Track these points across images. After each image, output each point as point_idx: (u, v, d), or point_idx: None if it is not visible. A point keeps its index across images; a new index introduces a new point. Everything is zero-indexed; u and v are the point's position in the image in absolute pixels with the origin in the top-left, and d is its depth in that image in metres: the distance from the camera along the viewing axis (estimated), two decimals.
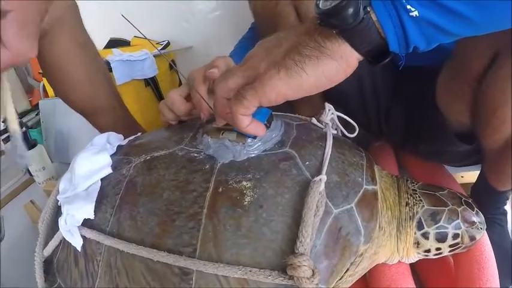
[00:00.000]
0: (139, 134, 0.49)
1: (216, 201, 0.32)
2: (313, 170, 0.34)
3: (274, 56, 0.29)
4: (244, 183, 0.32)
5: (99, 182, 0.40)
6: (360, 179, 0.36)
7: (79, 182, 0.40)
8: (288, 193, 0.32)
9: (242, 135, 0.35)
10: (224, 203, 0.32)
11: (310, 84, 0.27)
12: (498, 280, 0.40)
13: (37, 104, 0.99)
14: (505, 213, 0.53)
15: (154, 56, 0.90)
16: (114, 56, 0.81)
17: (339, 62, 0.27)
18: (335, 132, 0.41)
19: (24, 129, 0.80)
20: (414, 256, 0.39)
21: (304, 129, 0.39)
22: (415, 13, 0.24)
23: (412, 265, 0.42)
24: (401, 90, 0.57)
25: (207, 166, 0.35)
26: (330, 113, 0.41)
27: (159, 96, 0.98)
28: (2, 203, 0.76)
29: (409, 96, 0.55)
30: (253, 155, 0.35)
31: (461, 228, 0.37)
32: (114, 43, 1.04)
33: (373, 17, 0.25)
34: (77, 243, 0.38)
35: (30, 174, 0.80)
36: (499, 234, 0.51)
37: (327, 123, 0.40)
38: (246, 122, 0.30)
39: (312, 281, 0.28)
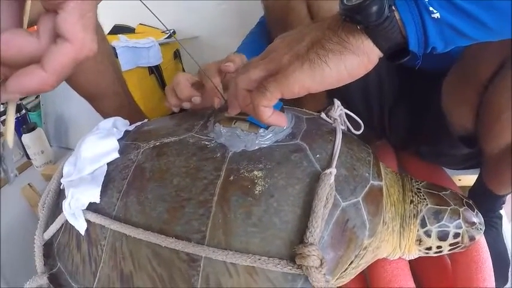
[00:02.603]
0: (146, 120, 0.48)
1: (227, 189, 0.32)
2: (323, 163, 0.34)
3: (297, 50, 0.29)
4: (256, 172, 0.33)
5: (106, 166, 0.39)
6: (367, 174, 0.37)
7: (85, 166, 0.39)
8: (298, 184, 0.32)
9: (254, 125, 0.35)
10: (235, 192, 0.32)
11: (332, 78, 0.28)
12: (494, 280, 0.41)
13: None
14: (500, 216, 0.54)
15: (159, 44, 0.89)
16: (120, 42, 0.81)
17: (361, 58, 0.28)
18: (343, 127, 0.41)
19: (23, 111, 0.78)
20: (415, 253, 0.40)
21: (313, 123, 0.40)
22: (436, 15, 0.25)
23: (410, 266, 0.43)
24: (407, 90, 0.58)
25: (218, 154, 0.35)
26: (339, 109, 0.41)
27: (163, 85, 0.97)
28: None
29: (414, 97, 0.56)
30: (264, 146, 0.35)
31: (462, 227, 0.38)
32: (119, 29, 1.02)
33: (397, 15, 0.26)
34: (81, 227, 0.37)
35: (28, 158, 0.79)
36: (493, 236, 0.52)
37: (335, 119, 0.41)
38: (268, 113, 0.31)
39: (320, 271, 0.29)
